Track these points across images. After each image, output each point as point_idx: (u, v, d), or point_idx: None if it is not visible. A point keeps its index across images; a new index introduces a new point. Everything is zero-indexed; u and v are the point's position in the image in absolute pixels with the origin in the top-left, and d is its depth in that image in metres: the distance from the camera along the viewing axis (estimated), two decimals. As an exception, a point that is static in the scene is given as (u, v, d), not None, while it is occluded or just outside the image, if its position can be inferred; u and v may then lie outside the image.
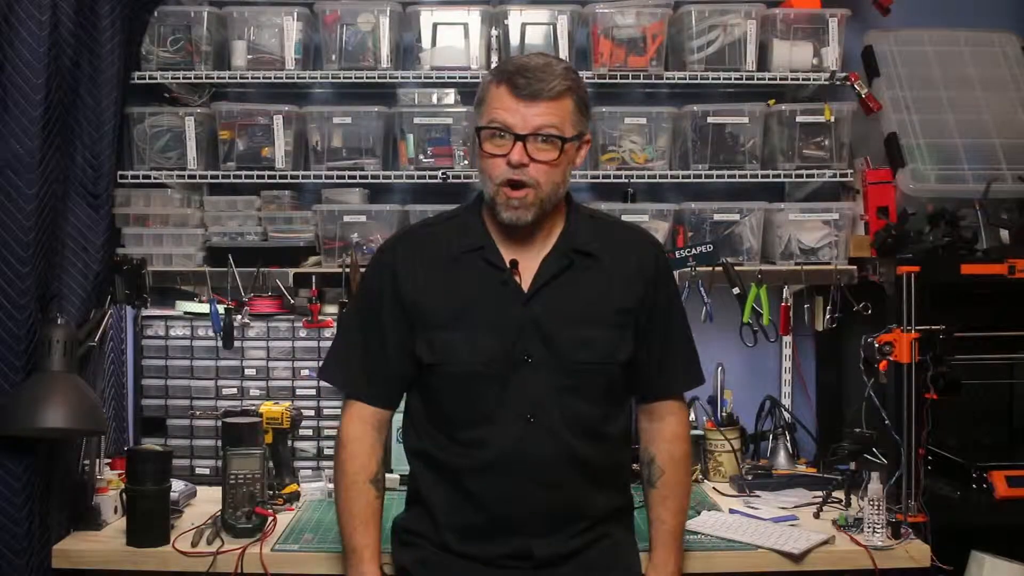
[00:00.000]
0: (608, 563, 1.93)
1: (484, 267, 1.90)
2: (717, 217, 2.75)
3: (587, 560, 1.91)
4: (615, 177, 2.75)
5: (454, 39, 2.77)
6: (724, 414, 2.86)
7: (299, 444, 2.80)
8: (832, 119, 2.74)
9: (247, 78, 2.73)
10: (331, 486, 2.61)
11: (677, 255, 2.66)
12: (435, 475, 1.93)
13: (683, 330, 2.03)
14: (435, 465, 1.93)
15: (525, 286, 1.88)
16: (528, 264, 1.90)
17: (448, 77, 2.76)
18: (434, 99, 2.92)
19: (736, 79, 2.75)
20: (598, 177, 2.76)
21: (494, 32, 2.78)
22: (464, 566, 1.89)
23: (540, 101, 1.79)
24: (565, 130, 1.82)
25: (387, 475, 2.05)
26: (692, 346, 2.05)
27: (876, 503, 2.27)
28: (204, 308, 2.77)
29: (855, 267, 2.70)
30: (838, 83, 2.77)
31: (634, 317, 1.93)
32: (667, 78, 2.76)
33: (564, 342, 1.87)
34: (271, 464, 2.54)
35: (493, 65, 2.64)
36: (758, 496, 2.62)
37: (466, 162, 2.73)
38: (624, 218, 2.65)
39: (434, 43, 2.77)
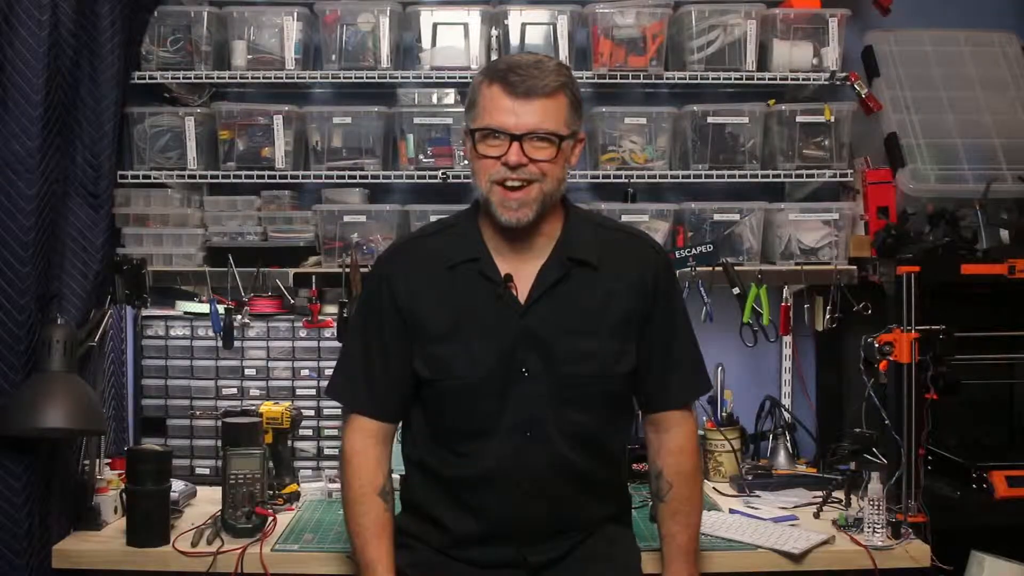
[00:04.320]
0: (604, 555, 1.92)
1: (480, 279, 1.85)
2: (717, 217, 2.74)
3: (583, 554, 1.90)
4: (615, 177, 2.75)
5: (454, 39, 2.77)
6: (724, 414, 2.86)
7: (299, 444, 2.80)
8: (832, 119, 2.74)
9: (247, 78, 2.73)
10: (331, 486, 2.62)
11: (677, 255, 2.66)
12: (432, 486, 1.91)
13: (688, 338, 1.96)
14: (432, 476, 1.91)
15: (522, 297, 1.84)
16: (526, 273, 1.85)
17: (448, 77, 2.76)
18: (434, 99, 2.92)
19: (736, 79, 2.75)
20: (598, 177, 2.76)
21: (494, 32, 2.78)
22: (460, 569, 1.89)
23: (535, 99, 1.75)
24: (560, 128, 1.77)
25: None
26: (698, 354, 1.98)
27: (876, 503, 2.27)
28: (204, 308, 2.77)
29: (855, 267, 2.70)
30: (838, 83, 2.76)
31: (636, 327, 1.88)
32: (667, 78, 2.76)
33: (561, 355, 1.83)
34: (271, 464, 2.53)
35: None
36: (758, 496, 2.61)
37: (466, 162, 2.73)
38: (624, 218, 2.66)
39: (434, 43, 2.77)
